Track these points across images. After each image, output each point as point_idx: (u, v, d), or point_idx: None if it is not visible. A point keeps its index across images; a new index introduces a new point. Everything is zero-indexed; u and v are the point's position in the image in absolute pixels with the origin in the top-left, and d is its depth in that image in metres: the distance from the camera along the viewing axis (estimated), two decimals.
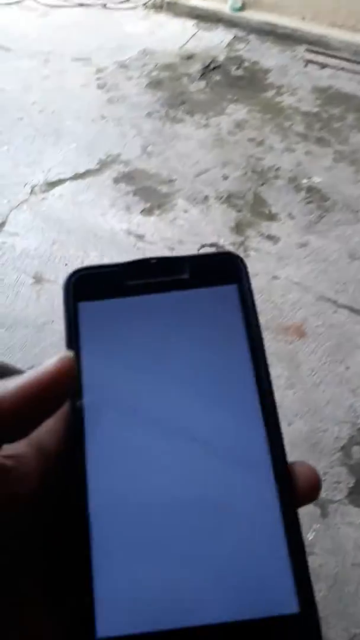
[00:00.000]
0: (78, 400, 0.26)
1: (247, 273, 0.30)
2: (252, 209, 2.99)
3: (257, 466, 0.25)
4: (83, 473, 0.24)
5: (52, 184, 3.19)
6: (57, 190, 3.15)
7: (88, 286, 0.28)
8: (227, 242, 2.79)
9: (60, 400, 0.24)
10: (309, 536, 1.80)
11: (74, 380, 0.25)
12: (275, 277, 2.62)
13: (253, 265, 2.68)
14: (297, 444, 2.02)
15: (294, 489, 0.25)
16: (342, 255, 2.72)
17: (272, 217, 2.94)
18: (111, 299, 0.28)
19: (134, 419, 0.25)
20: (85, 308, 0.28)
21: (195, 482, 0.25)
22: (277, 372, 2.24)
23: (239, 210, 2.98)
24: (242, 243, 2.79)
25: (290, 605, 0.23)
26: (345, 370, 2.24)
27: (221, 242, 2.80)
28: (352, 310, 2.47)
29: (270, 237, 2.82)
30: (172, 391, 0.26)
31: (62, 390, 0.24)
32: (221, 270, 0.29)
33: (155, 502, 0.24)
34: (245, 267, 0.30)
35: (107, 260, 2.74)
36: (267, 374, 0.27)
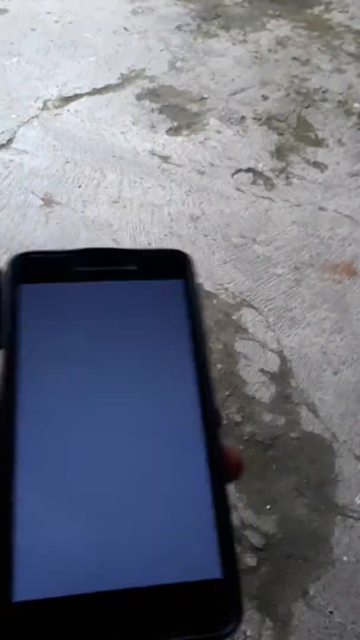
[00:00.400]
0: (13, 372, 0.25)
1: (193, 270, 0.29)
2: (296, 133, 2.60)
3: (190, 442, 0.25)
4: (11, 440, 0.24)
5: (67, 99, 2.81)
6: (73, 105, 2.77)
7: (33, 269, 0.28)
8: (266, 167, 2.42)
9: None
10: (357, 500, 1.52)
11: None
12: (321, 209, 2.26)
13: (296, 195, 2.33)
14: (344, 394, 1.72)
15: (223, 463, 0.25)
16: None
17: (318, 143, 2.55)
18: (54, 283, 0.27)
19: (69, 398, 0.25)
20: (27, 290, 0.27)
21: (127, 453, 0.25)
22: (323, 315, 1.92)
23: (281, 134, 2.59)
24: (283, 169, 2.42)
25: (214, 570, 0.23)
26: None
27: (259, 167, 2.43)
28: None
29: (316, 164, 2.45)
30: (109, 377, 0.26)
31: None
32: (169, 265, 0.29)
33: (83, 470, 0.24)
34: (192, 264, 0.30)
35: (126, 182, 2.39)
36: (208, 363, 0.27)
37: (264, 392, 1.73)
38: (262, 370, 1.78)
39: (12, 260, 0.27)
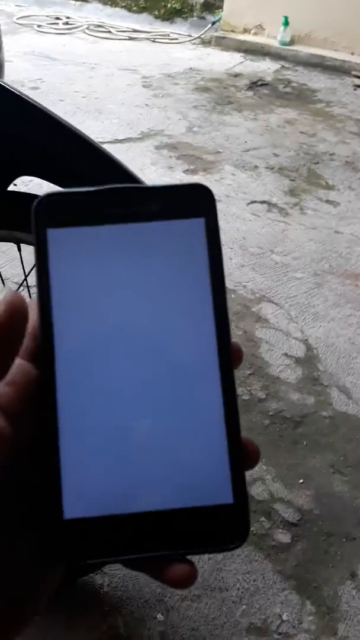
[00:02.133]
0: (49, 314, 0.28)
1: (214, 207, 0.29)
2: (307, 180, 2.72)
3: (206, 373, 0.27)
4: (52, 374, 0.27)
5: None
6: None
7: (57, 212, 0.29)
8: (280, 201, 2.49)
9: (18, 340, 0.25)
10: None
11: (25, 318, 0.25)
12: (337, 232, 2.28)
13: (312, 221, 2.36)
14: None
15: (235, 395, 0.27)
16: None
17: (329, 187, 2.66)
18: (80, 226, 0.29)
19: (100, 330, 0.28)
20: (55, 234, 0.28)
21: (150, 384, 0.27)
22: (348, 312, 1.82)
23: (292, 180, 2.71)
24: (297, 203, 2.49)
25: (226, 496, 0.26)
26: None
27: (274, 200, 2.50)
28: None
29: (329, 202, 2.52)
30: (134, 309, 0.28)
31: (17, 332, 0.25)
32: (191, 202, 0.29)
33: (115, 399, 0.27)
34: (213, 201, 0.29)
35: None
36: (224, 301, 0.28)
37: (290, 374, 1.57)
38: (286, 354, 1.64)
39: (38, 202, 0.28)
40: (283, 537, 1.17)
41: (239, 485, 0.26)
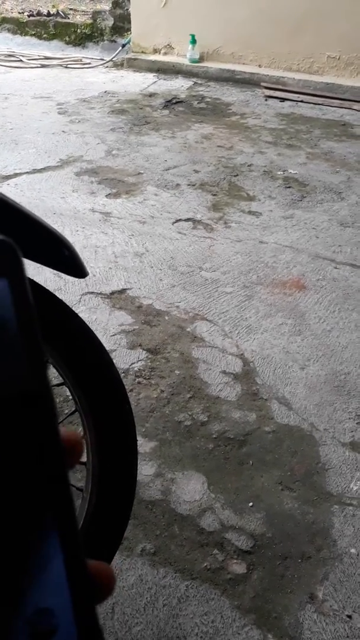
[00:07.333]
0: None
1: (20, 262, 0.21)
2: (229, 193, 2.75)
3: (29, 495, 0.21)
4: None
5: (7, 177, 2.88)
6: (12, 181, 2.84)
7: None
8: (204, 217, 2.49)
9: None
10: (352, 486, 1.29)
11: None
12: (262, 242, 2.30)
13: (236, 234, 2.37)
14: (316, 387, 1.56)
15: (73, 515, 0.21)
16: (332, 225, 2.46)
17: (250, 199, 2.69)
18: None
19: None
20: None
21: None
22: (279, 321, 1.83)
23: (215, 194, 2.73)
24: (221, 218, 2.50)
25: None
26: (359, 317, 1.86)
27: (198, 217, 2.50)
28: (354, 266, 2.15)
29: (251, 213, 2.55)
30: None
31: None
32: None
33: None
34: (17, 254, 0.21)
35: (68, 231, 2.36)
36: (46, 384, 0.21)
37: (229, 392, 1.54)
38: (224, 372, 1.61)
39: None
40: (238, 567, 1.13)
41: (88, 624, 0.21)
